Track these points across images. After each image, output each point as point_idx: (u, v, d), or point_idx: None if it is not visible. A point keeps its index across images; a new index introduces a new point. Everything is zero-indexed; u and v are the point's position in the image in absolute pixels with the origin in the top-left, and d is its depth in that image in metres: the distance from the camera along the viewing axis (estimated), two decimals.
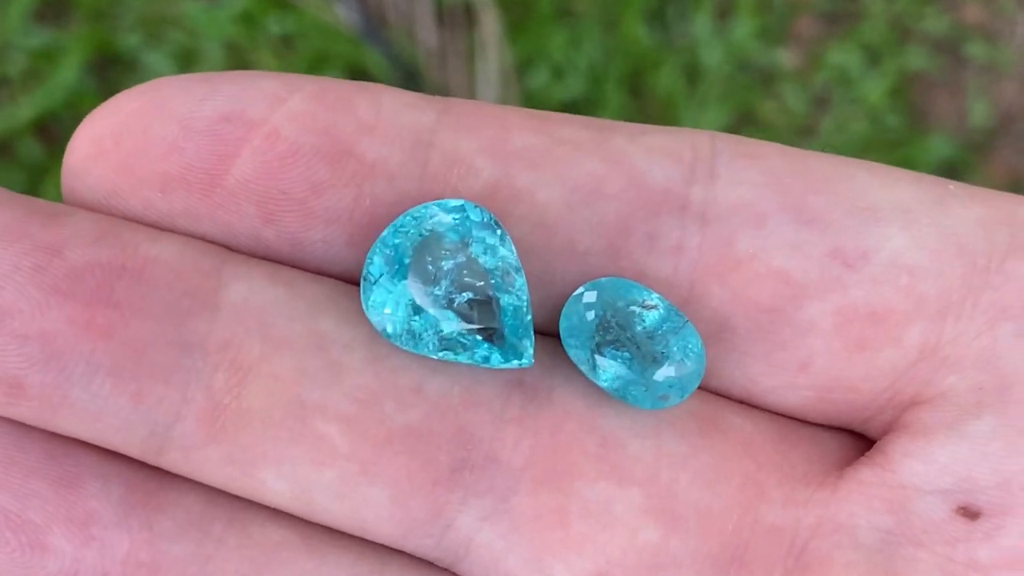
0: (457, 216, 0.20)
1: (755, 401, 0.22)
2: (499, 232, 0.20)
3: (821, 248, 0.20)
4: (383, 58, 0.83)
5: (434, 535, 0.20)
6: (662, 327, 0.20)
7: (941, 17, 0.89)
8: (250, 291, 0.20)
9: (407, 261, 0.20)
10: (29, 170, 0.81)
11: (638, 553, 0.20)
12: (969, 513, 0.20)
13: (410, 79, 0.82)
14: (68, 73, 0.82)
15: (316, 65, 0.83)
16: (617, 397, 0.21)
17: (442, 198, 0.20)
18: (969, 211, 0.21)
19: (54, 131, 0.82)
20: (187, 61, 0.83)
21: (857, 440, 0.22)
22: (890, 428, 0.21)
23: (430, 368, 0.20)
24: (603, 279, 0.20)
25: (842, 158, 0.21)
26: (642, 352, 0.20)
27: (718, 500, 0.21)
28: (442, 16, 0.84)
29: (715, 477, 0.21)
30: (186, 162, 0.20)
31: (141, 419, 0.19)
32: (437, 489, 0.20)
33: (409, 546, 0.21)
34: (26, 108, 0.81)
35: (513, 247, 0.20)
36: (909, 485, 0.20)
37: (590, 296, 0.20)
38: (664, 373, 0.20)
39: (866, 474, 0.21)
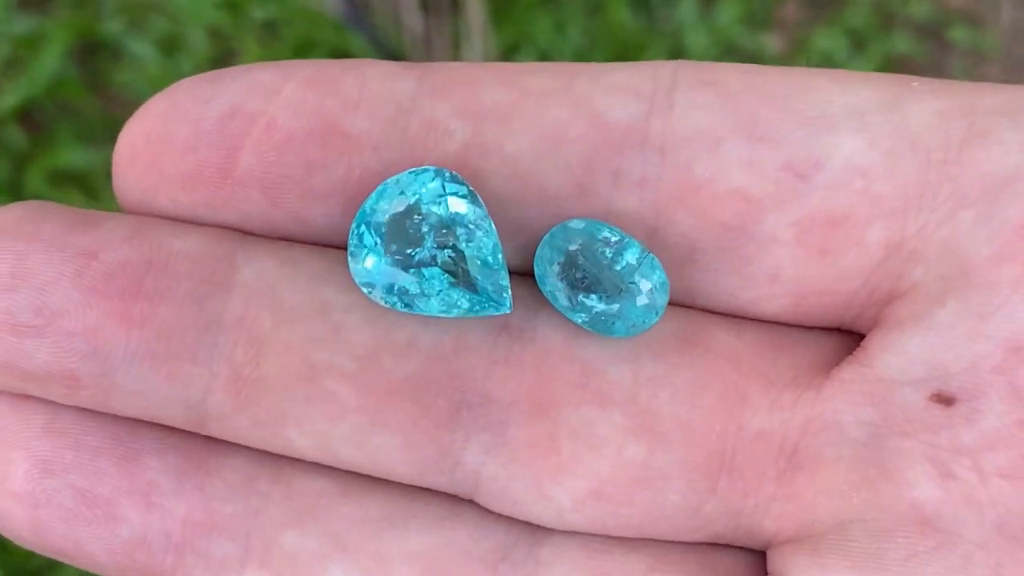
0: (427, 181, 0.21)
1: (740, 313, 0.22)
2: (467, 191, 0.21)
3: (774, 163, 0.21)
4: (368, 44, 0.83)
5: (446, 472, 0.22)
6: (625, 260, 0.22)
7: (925, 2, 0.90)
8: (260, 270, 0.22)
9: (387, 228, 0.21)
10: (12, 157, 0.80)
11: (625, 469, 0.22)
12: (944, 399, 0.20)
13: None
14: (51, 60, 0.82)
15: (301, 51, 0.83)
16: (592, 331, 0.22)
17: (422, 163, 0.22)
18: (926, 106, 0.21)
19: (37, 118, 0.82)
20: (171, 47, 0.83)
21: (852, 339, 0.23)
22: (874, 324, 0.22)
23: (421, 323, 0.22)
24: (568, 221, 0.22)
25: (804, 69, 0.22)
26: (610, 286, 0.22)
27: (698, 412, 0.22)
28: (427, 1, 0.84)
29: (694, 391, 0.22)
30: (199, 159, 0.22)
31: (178, 396, 0.22)
32: (441, 430, 0.22)
33: (428, 483, 0.22)
34: (9, 95, 0.81)
35: (482, 203, 0.21)
36: (886, 378, 0.21)
37: (556, 239, 0.22)
38: (634, 302, 0.22)
39: (848, 371, 0.21)
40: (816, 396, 0.22)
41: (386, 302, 0.21)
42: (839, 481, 0.21)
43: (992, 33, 0.89)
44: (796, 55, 0.87)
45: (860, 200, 0.21)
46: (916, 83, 0.21)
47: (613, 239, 0.21)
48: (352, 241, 0.21)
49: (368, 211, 0.21)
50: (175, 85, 0.22)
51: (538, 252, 0.22)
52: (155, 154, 0.22)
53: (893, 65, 0.88)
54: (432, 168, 0.21)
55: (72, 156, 0.80)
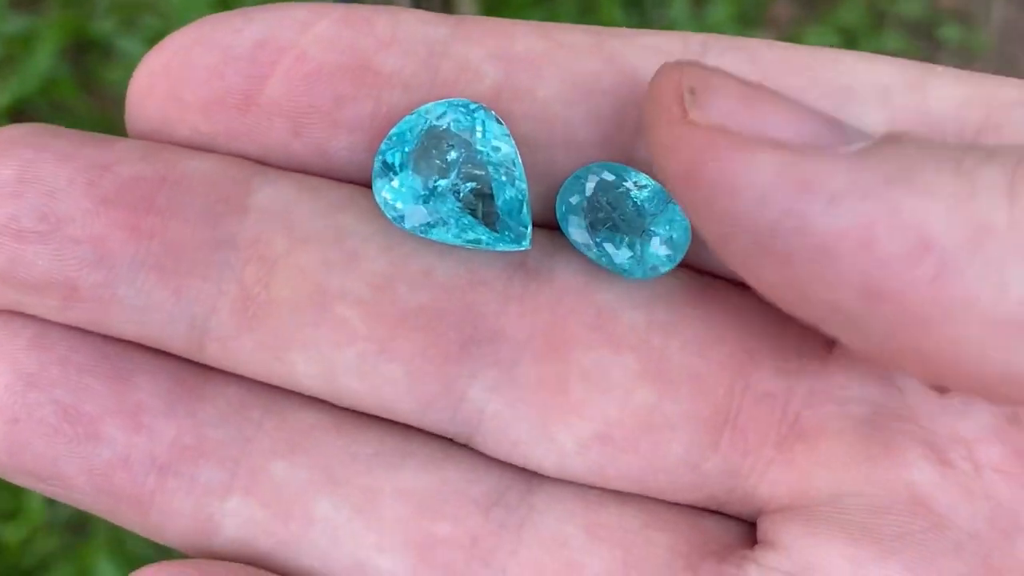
0: (459, 113, 0.21)
1: None
2: (501, 128, 0.21)
3: None
4: None
5: (449, 408, 0.22)
6: (650, 205, 0.22)
7: (916, 0, 0.90)
8: (276, 195, 0.22)
9: (415, 155, 0.21)
10: None
11: (634, 414, 0.22)
12: (938, 387, 0.20)
13: None
14: (43, 59, 0.82)
15: None
16: (612, 270, 0.22)
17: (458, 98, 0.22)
18: (948, 91, 0.21)
19: (29, 117, 0.82)
20: None
21: None
22: None
23: (439, 253, 0.22)
24: (596, 163, 0.22)
25: (831, 48, 0.22)
26: (632, 228, 0.22)
27: (708, 365, 0.22)
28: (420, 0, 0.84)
29: (705, 343, 0.22)
30: (225, 85, 0.22)
31: (182, 312, 0.21)
32: (448, 364, 0.22)
33: (427, 421, 0.22)
34: (1, 94, 0.81)
35: (514, 142, 0.21)
36: None
37: (585, 178, 0.22)
38: (654, 245, 0.22)
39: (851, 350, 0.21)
40: (821, 367, 0.22)
41: (405, 226, 0.21)
42: (839, 454, 0.21)
43: (983, 32, 0.89)
44: None
45: None
46: (940, 69, 0.22)
47: (641, 182, 0.22)
48: (377, 163, 0.21)
49: (396, 134, 0.21)
50: (201, 19, 0.22)
51: (562, 190, 0.22)
52: (177, 81, 0.22)
53: None
54: (468, 101, 0.21)
55: None
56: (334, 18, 0.22)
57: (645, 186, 0.22)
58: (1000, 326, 0.17)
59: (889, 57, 0.22)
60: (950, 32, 0.89)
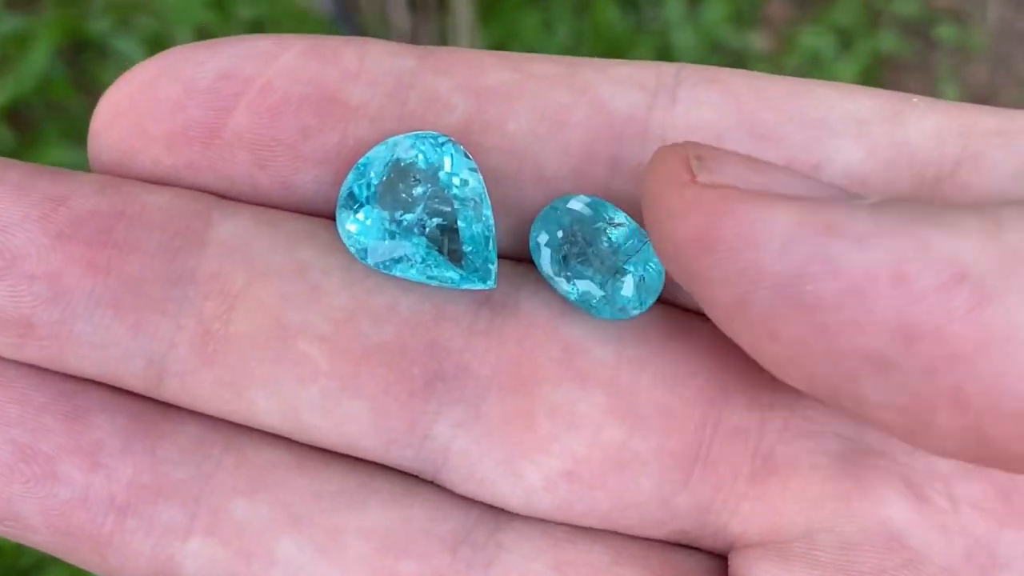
0: (427, 146, 0.21)
1: None
2: (468, 162, 0.21)
3: (774, 161, 0.21)
4: None
5: (413, 445, 0.21)
6: (625, 244, 0.22)
7: (911, 0, 0.90)
8: (236, 228, 0.21)
9: (381, 188, 0.21)
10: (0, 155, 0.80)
11: (603, 451, 0.21)
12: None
13: None
14: (39, 59, 0.82)
15: None
16: (580, 307, 0.22)
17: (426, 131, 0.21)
18: (926, 122, 0.21)
19: (25, 117, 0.82)
20: (157, 46, 0.83)
21: None
22: None
23: (403, 288, 0.21)
24: (574, 196, 0.21)
25: (806, 80, 0.22)
26: (605, 266, 0.21)
27: (678, 401, 0.21)
28: (415, 0, 0.84)
29: (676, 378, 0.22)
30: (188, 118, 0.21)
31: (140, 348, 0.21)
32: (413, 400, 0.21)
33: (392, 458, 0.22)
34: None
35: (481, 178, 0.21)
36: None
37: (561, 210, 0.21)
38: (625, 286, 0.21)
39: None
40: (795, 400, 0.21)
41: (368, 261, 0.21)
42: (812, 489, 0.21)
43: (978, 31, 0.90)
44: (783, 53, 0.87)
45: None
46: (917, 99, 0.21)
47: (618, 220, 0.21)
48: (342, 194, 0.21)
49: (362, 167, 0.21)
50: (166, 51, 0.22)
51: (537, 219, 0.22)
52: (140, 114, 0.21)
53: (880, 63, 0.88)
54: (436, 134, 0.21)
55: (60, 155, 0.80)
56: (299, 49, 0.22)
57: (621, 224, 0.21)
58: None
59: (866, 88, 0.22)
60: (945, 31, 0.89)
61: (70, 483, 0.21)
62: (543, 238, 0.22)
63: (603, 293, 0.21)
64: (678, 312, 0.22)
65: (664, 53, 0.86)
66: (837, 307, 0.17)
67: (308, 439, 0.22)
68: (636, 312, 0.22)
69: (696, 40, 0.87)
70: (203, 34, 0.84)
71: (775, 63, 0.87)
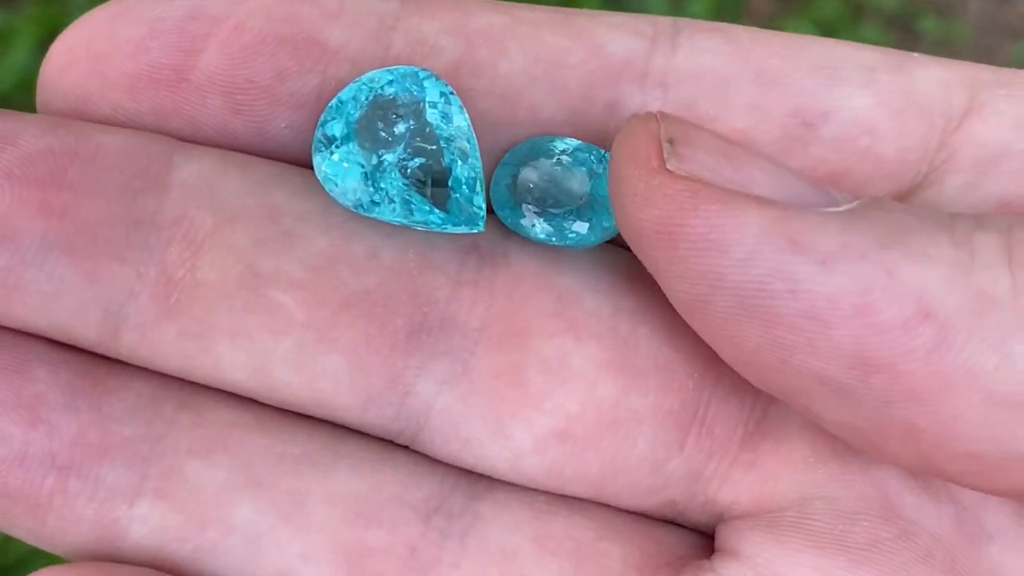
0: (409, 82, 0.20)
1: None
2: (454, 99, 0.20)
3: (782, 108, 0.20)
4: None
5: (393, 403, 0.20)
6: (582, 163, 0.21)
7: None
8: (201, 170, 0.20)
9: (358, 125, 0.20)
10: None
11: (597, 408, 0.20)
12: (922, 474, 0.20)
13: None
14: (20, 55, 0.81)
15: None
16: (563, 245, 0.21)
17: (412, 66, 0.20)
18: (931, 73, 0.21)
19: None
20: None
21: None
22: None
23: (385, 234, 0.20)
24: (519, 143, 0.21)
25: (809, 36, 0.21)
26: (569, 194, 0.21)
27: (678, 354, 0.20)
28: None
29: (675, 330, 0.20)
30: (152, 60, 0.20)
31: (96, 298, 0.19)
32: (395, 354, 0.20)
33: (369, 418, 0.20)
34: None
35: (467, 117, 0.20)
36: None
37: (508, 159, 0.21)
38: (598, 201, 0.21)
39: None
40: None
41: (347, 204, 0.20)
42: (805, 453, 0.20)
43: (961, 23, 0.90)
44: None
45: (863, 158, 0.20)
46: (917, 56, 0.21)
47: (563, 146, 0.21)
48: (317, 133, 0.20)
49: (339, 103, 0.20)
50: None
51: (493, 179, 0.21)
52: (98, 57, 0.20)
53: None
54: (417, 69, 0.20)
55: None
56: None
57: (568, 148, 0.21)
58: (1003, 402, 0.16)
59: (869, 46, 0.21)
60: (928, 24, 0.89)
61: (7, 440, 0.19)
62: (500, 195, 0.21)
63: (577, 220, 0.21)
64: None
65: None
66: (795, 328, 0.17)
67: (278, 398, 0.20)
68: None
69: None
70: None
71: None
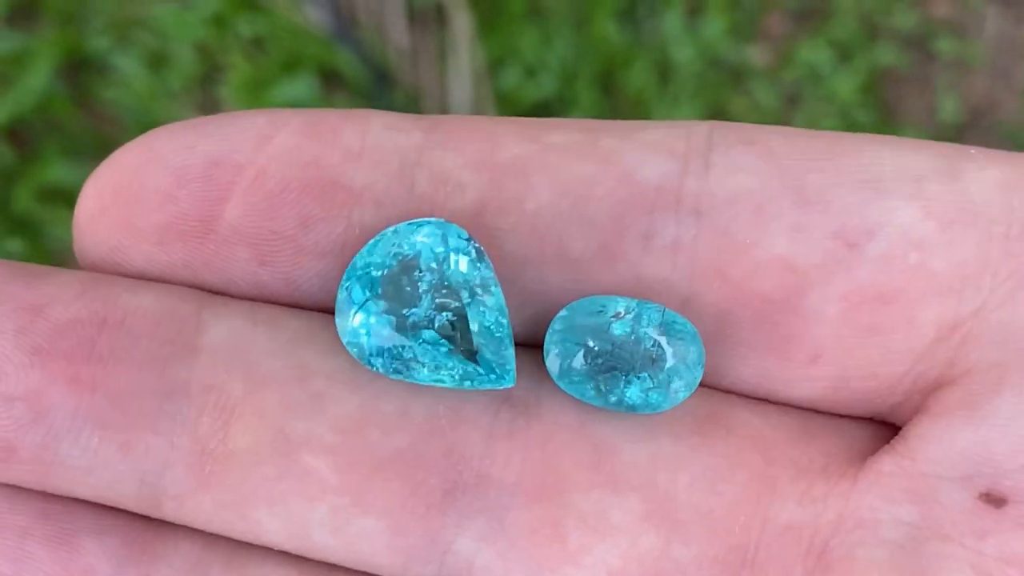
0: (429, 235, 0.19)
1: (770, 396, 0.21)
2: (473, 248, 0.19)
3: (823, 229, 0.19)
4: (354, 59, 0.83)
5: (433, 561, 0.20)
6: (643, 326, 0.20)
7: (910, 13, 0.90)
8: (229, 331, 0.20)
9: (381, 285, 0.19)
10: (0, 174, 0.80)
11: (639, 562, 0.20)
12: (993, 500, 0.19)
13: (382, 80, 0.82)
14: (38, 77, 0.81)
15: (288, 67, 0.83)
16: (635, 411, 0.20)
17: (427, 216, 0.20)
18: (986, 175, 0.19)
19: (24, 136, 0.82)
20: (157, 64, 0.83)
21: (886, 429, 0.21)
22: (916, 413, 0.20)
23: (414, 391, 0.20)
24: (564, 309, 0.20)
25: (849, 134, 0.20)
26: (637, 361, 0.20)
27: (721, 501, 0.20)
28: (413, 16, 0.84)
29: (717, 477, 0.20)
30: (180, 210, 0.20)
31: (131, 470, 0.19)
32: (431, 513, 0.20)
33: (411, 575, 0.20)
34: None
35: (490, 263, 0.19)
36: (929, 473, 0.19)
37: (560, 328, 0.20)
38: (667, 369, 0.20)
39: (886, 463, 0.20)
40: (851, 489, 0.20)
41: (374, 366, 0.19)
42: None
43: (977, 44, 0.90)
44: (781, 67, 0.87)
45: (914, 275, 0.19)
46: (973, 151, 0.20)
47: (619, 310, 0.20)
48: (340, 295, 0.19)
49: (360, 264, 0.19)
50: (148, 133, 0.20)
51: (546, 348, 0.20)
52: (127, 205, 0.20)
53: (879, 76, 0.88)
54: (435, 220, 0.19)
55: (59, 172, 0.80)
56: (295, 127, 0.20)
57: (626, 312, 0.20)
58: None
59: (916, 141, 0.20)
60: (944, 44, 0.89)
61: None
62: (562, 368, 0.20)
63: (648, 387, 0.20)
64: (716, 398, 0.21)
65: (663, 67, 0.86)
66: None
67: (319, 557, 0.20)
68: (679, 400, 0.20)
69: (695, 54, 0.87)
70: (203, 52, 0.84)
71: (774, 77, 0.87)
